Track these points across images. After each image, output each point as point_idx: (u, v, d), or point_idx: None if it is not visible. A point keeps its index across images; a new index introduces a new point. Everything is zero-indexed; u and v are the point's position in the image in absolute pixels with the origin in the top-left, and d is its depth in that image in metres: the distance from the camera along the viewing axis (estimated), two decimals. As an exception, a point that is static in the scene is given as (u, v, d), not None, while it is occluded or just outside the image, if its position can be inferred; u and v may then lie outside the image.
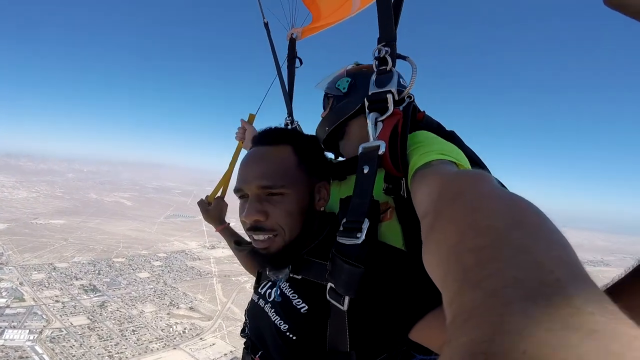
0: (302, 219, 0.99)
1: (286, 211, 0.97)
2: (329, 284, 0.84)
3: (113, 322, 49.40)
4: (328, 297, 0.84)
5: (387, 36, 0.95)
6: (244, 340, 1.13)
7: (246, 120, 1.86)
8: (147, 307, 55.86)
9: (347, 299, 0.79)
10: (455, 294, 0.34)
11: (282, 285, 1.02)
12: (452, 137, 1.08)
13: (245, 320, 1.16)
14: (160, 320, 52.50)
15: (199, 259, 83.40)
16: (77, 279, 60.00)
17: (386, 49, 0.94)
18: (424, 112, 1.14)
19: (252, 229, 0.98)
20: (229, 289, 68.62)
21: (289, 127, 1.65)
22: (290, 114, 1.68)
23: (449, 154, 0.86)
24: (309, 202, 1.00)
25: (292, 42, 1.82)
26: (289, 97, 1.71)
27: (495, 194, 0.47)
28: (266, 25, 1.85)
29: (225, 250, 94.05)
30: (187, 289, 65.53)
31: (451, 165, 0.83)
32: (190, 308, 58.53)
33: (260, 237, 0.98)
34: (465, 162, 0.88)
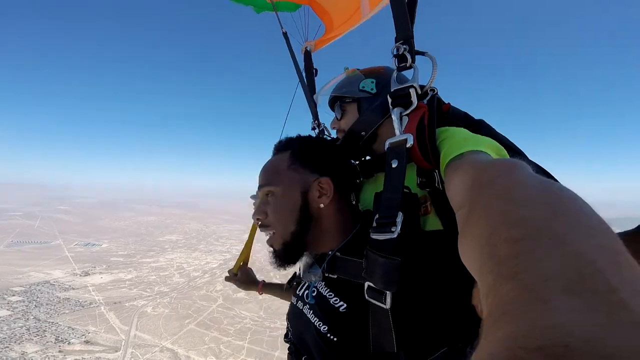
0: (294, 216, 1.01)
1: (274, 209, 1.03)
2: (367, 283, 0.81)
3: (-9, 369, 37.16)
4: (367, 296, 0.80)
5: (404, 34, 0.97)
6: (288, 345, 1.11)
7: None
8: (27, 348, 44.19)
9: (389, 295, 0.76)
10: (491, 288, 0.33)
11: (319, 285, 0.99)
12: (481, 126, 1.09)
13: (287, 324, 1.14)
14: (54, 359, 42.08)
15: (73, 289, 69.25)
16: None
17: (404, 46, 0.96)
18: (449, 103, 1.15)
19: (259, 226, 1.07)
20: (125, 316, 59.37)
21: (316, 130, 1.61)
22: (315, 117, 1.63)
23: (481, 143, 0.84)
24: (301, 199, 1.02)
25: (308, 55, 1.85)
26: (312, 102, 1.66)
27: (530, 181, 0.45)
28: (285, 34, 1.88)
29: (104, 276, 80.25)
30: (71, 322, 54.12)
31: (484, 155, 0.79)
32: (86, 341, 48.77)
33: (265, 233, 1.07)
34: (499, 151, 0.85)
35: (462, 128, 0.98)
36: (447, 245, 0.77)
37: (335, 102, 1.29)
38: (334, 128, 1.30)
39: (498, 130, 1.10)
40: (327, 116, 1.51)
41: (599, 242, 0.30)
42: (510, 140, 1.06)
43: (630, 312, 0.22)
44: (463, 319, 0.81)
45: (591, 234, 0.31)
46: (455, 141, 0.86)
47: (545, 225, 0.34)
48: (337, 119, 1.28)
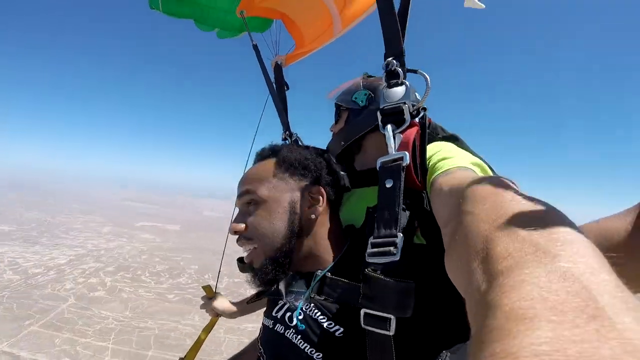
0: (282, 229, 0.93)
1: (258, 219, 0.94)
2: (364, 310, 0.74)
3: None
4: (363, 324, 0.74)
5: (395, 50, 0.92)
6: None
7: (205, 294, 1.68)
8: None
9: (394, 321, 0.71)
10: (478, 305, 0.33)
11: (305, 307, 0.89)
12: (455, 140, 1.09)
13: (260, 350, 1.03)
14: None
15: None
16: None
17: (396, 62, 0.92)
18: (429, 118, 1.12)
19: (238, 240, 0.98)
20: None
21: (287, 140, 1.54)
22: (287, 127, 1.57)
23: (467, 160, 0.86)
24: (289, 209, 0.95)
25: (278, 68, 1.78)
26: (284, 113, 1.62)
27: (517, 199, 0.46)
28: (255, 47, 1.85)
29: None
30: None
31: (469, 171, 0.80)
32: None
33: (244, 247, 0.98)
34: (482, 168, 0.87)
35: (447, 143, 1.00)
36: (433, 260, 0.75)
37: (336, 106, 1.33)
38: (331, 130, 1.33)
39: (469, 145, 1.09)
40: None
41: (587, 260, 0.31)
42: (481, 156, 1.03)
43: (617, 330, 0.23)
44: (454, 331, 0.77)
45: (579, 253, 0.32)
46: (442, 157, 0.87)
47: (533, 243, 0.35)
48: (334, 122, 1.32)
